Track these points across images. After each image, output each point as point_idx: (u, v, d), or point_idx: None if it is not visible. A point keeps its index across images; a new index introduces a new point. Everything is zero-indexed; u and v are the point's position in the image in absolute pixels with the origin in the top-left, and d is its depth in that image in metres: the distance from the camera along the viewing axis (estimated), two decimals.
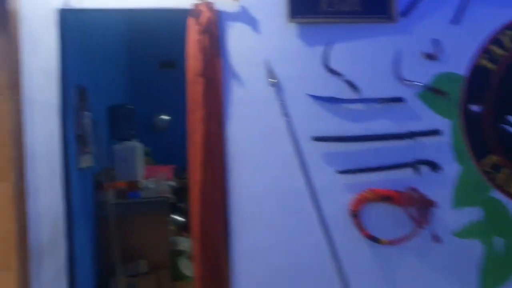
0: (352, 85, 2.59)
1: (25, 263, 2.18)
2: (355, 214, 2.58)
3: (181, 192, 4.48)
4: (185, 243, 4.06)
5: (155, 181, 4.14)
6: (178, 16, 2.59)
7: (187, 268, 3.93)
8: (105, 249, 3.65)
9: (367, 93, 2.62)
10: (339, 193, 2.61)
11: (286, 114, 2.55)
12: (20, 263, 2.10)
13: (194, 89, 2.46)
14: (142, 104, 5.03)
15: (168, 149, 5.06)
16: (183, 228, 4.34)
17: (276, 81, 2.54)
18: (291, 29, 2.58)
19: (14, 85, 2.16)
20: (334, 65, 2.60)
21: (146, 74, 5.53)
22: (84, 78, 3.35)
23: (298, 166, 2.56)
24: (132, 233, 3.76)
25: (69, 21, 2.62)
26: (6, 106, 2.08)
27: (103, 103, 4.09)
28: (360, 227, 2.59)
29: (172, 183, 4.38)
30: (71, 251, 2.72)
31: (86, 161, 3.35)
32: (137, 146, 4.21)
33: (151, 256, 3.79)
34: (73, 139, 3.07)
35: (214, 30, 2.46)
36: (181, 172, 4.70)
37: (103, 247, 3.69)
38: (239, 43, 2.54)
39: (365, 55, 2.63)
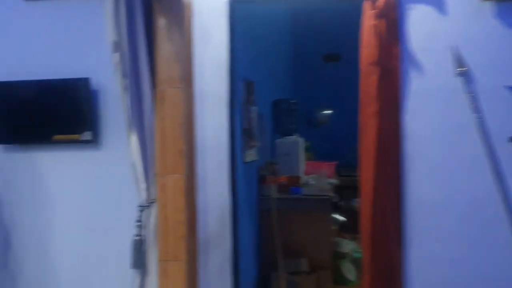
0: None
1: (194, 254, 2.20)
2: None
3: (342, 190, 4.28)
4: (347, 245, 3.86)
5: (316, 177, 4.01)
6: (346, 5, 2.39)
7: (350, 272, 3.72)
8: (266, 243, 3.64)
9: None
10: None
11: (477, 110, 2.17)
12: (189, 254, 2.12)
13: (368, 80, 2.23)
14: (303, 97, 4.95)
15: (328, 145, 4.90)
16: (344, 229, 4.14)
17: (465, 69, 2.17)
18: (485, 9, 2.18)
19: (187, 78, 2.18)
20: None
21: (309, 67, 5.43)
22: (250, 72, 3.35)
23: (490, 171, 2.16)
24: (293, 229, 3.68)
25: (237, 13, 2.60)
26: (180, 98, 2.10)
27: (267, 97, 4.09)
28: None
29: (333, 180, 4.19)
30: (236, 244, 2.72)
31: (252, 155, 3.35)
32: (299, 141, 4.13)
33: (312, 255, 3.67)
34: (240, 132, 3.08)
35: (392, 13, 2.19)
36: (342, 169, 4.50)
37: (264, 241, 3.68)
38: (420, 27, 2.23)
39: None
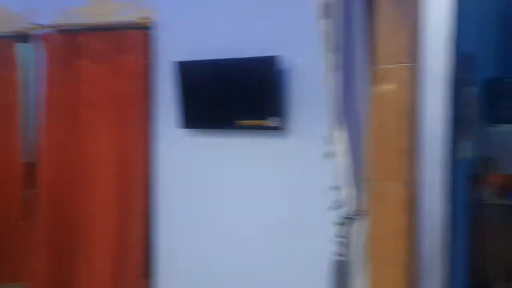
0: None
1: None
2: None
3: None
4: None
5: None
6: None
7: None
8: (478, 262, 2.90)
9: None
10: None
11: None
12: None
13: None
14: None
15: None
16: None
17: None
18: None
19: (413, 51, 1.63)
20: None
21: None
22: (471, 44, 2.63)
23: None
24: None
25: None
26: (406, 78, 1.57)
27: (481, 74, 3.29)
28: None
29: None
30: (452, 269, 2.13)
31: (466, 150, 2.67)
32: None
33: None
34: (453, 120, 2.44)
35: None
36: None
37: (476, 259, 2.94)
38: None
39: None
